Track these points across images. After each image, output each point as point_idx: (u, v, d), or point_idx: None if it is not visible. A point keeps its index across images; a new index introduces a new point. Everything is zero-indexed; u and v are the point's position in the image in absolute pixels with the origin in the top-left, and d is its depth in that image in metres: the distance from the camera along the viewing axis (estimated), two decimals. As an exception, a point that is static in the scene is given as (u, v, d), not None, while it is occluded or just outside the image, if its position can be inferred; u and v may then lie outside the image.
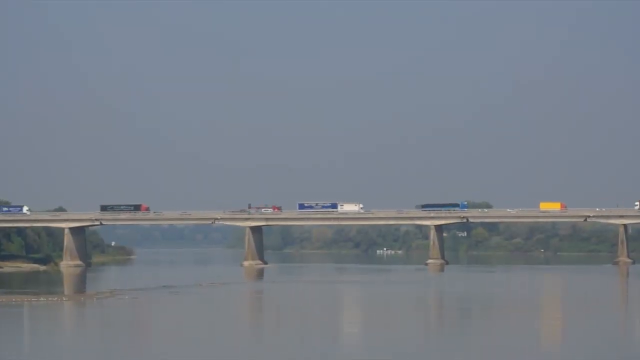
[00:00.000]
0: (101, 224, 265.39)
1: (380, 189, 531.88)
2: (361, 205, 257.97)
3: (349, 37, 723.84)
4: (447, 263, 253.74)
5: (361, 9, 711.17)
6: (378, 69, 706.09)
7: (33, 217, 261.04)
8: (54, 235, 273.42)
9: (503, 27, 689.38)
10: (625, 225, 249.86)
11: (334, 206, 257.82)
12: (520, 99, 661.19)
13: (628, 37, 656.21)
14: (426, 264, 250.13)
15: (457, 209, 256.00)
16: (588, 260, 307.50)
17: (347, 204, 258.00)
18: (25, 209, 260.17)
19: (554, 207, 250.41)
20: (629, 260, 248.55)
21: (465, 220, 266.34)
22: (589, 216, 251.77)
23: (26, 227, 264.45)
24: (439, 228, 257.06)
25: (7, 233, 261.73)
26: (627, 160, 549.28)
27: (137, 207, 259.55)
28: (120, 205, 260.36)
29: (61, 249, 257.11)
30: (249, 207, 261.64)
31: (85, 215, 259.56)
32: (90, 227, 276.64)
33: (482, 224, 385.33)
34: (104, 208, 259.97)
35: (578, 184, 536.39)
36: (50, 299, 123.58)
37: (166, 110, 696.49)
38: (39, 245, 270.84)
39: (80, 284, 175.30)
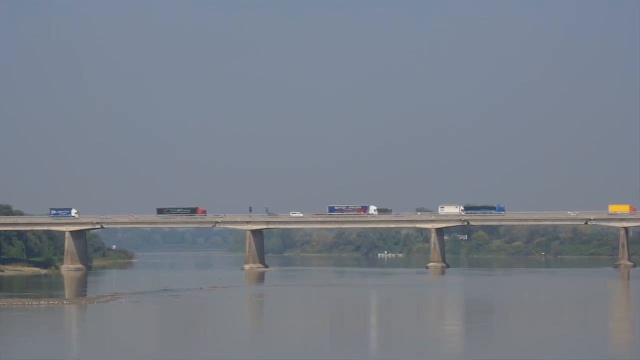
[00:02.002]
0: (102, 227, 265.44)
1: (379, 190, 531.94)
2: (462, 208, 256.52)
3: (350, 38, 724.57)
4: (448, 266, 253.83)
5: (360, 8, 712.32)
6: (379, 69, 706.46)
7: (34, 220, 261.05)
8: (55, 239, 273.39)
9: (502, 28, 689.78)
10: (626, 229, 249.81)
11: (365, 208, 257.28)
12: (518, 101, 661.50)
13: (629, 39, 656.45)
14: (427, 268, 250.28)
15: (493, 212, 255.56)
16: (589, 263, 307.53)
17: (448, 206, 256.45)
18: (73, 212, 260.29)
19: (623, 209, 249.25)
20: (630, 264, 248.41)
21: (466, 224, 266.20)
22: (589, 219, 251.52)
23: (27, 231, 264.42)
24: (439, 231, 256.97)
25: (8, 236, 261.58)
26: (629, 162, 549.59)
27: (193, 210, 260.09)
28: (177, 209, 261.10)
29: (62, 253, 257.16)
30: (250, 211, 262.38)
31: (86, 219, 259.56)
32: (91, 231, 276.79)
33: (482, 227, 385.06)
34: (160, 211, 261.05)
35: (579, 187, 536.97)
36: (51, 302, 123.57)
37: (166, 113, 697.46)
38: (40, 249, 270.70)
39: (81, 288, 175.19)
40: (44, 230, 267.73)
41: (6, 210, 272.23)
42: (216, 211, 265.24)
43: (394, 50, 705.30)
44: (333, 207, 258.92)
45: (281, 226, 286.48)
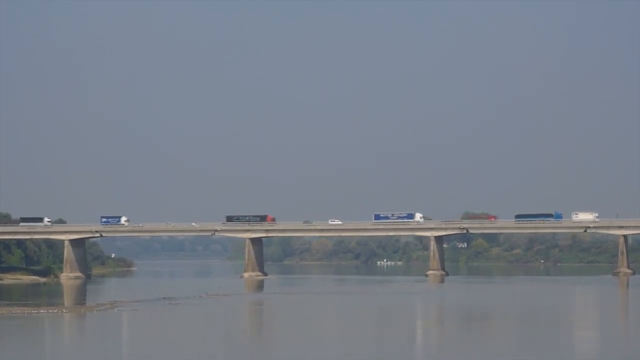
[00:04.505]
0: (101, 235, 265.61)
1: (378, 198, 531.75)
2: (596, 214, 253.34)
3: (350, 38, 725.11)
4: (447, 274, 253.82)
5: (360, 8, 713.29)
6: (378, 70, 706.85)
7: (33, 228, 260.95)
8: (54, 247, 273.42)
9: (502, 29, 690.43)
10: (625, 236, 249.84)
11: (410, 216, 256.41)
12: (518, 108, 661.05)
13: (630, 43, 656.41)
14: (426, 275, 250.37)
15: (551, 219, 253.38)
16: (588, 271, 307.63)
17: (582, 213, 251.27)
18: (123, 219, 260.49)
19: None
20: (629, 271, 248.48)
21: (465, 231, 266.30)
22: (588, 227, 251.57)
23: (26, 239, 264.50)
24: (439, 239, 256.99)
25: (7, 245, 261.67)
26: (627, 170, 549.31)
27: (262, 218, 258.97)
28: (246, 216, 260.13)
29: (61, 261, 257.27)
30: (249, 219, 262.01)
31: (85, 227, 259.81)
32: (90, 239, 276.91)
33: (481, 235, 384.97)
34: (229, 218, 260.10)
35: (577, 194, 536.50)
36: (50, 310, 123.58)
37: (166, 120, 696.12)
38: (39, 257, 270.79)
39: (81, 296, 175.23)
40: (43, 239, 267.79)
41: (5, 219, 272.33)
42: (214, 219, 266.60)
43: (394, 51, 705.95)
44: (379, 215, 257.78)
45: (280, 234, 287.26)
